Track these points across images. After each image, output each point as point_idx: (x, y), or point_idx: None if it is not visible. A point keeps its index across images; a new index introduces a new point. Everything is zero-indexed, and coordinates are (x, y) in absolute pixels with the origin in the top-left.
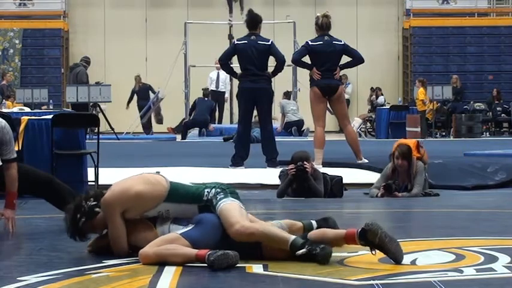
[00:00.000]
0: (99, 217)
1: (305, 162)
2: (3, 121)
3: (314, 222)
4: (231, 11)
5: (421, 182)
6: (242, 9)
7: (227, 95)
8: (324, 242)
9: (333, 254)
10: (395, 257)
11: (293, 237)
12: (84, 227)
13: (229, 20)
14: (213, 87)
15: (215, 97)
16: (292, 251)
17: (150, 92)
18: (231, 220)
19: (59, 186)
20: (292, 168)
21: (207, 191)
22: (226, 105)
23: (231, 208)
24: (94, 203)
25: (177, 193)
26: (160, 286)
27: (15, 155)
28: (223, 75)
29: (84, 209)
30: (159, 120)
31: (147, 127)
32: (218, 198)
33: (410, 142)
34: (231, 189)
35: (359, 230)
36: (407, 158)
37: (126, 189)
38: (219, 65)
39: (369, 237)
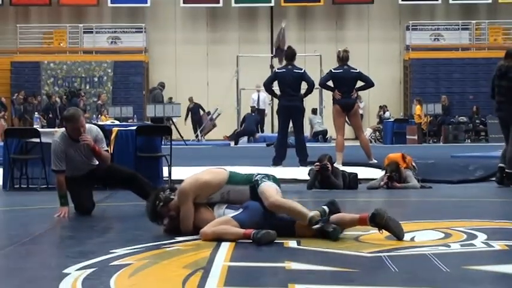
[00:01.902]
0: (173, 202)
1: (327, 163)
2: (95, 126)
3: (326, 208)
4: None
5: (414, 180)
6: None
7: (267, 111)
8: (341, 223)
9: (350, 233)
10: (397, 235)
11: (312, 213)
12: (161, 211)
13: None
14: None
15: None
16: (309, 224)
17: (199, 109)
18: (268, 194)
19: (141, 180)
20: (317, 165)
21: (255, 175)
22: (267, 119)
23: (269, 187)
24: (169, 192)
25: (234, 177)
26: (219, 256)
27: (107, 149)
28: (263, 96)
29: (161, 197)
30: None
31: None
32: (262, 180)
33: (397, 156)
34: (273, 177)
35: (369, 215)
36: (397, 172)
37: (196, 180)
38: (259, 88)
39: (377, 220)
